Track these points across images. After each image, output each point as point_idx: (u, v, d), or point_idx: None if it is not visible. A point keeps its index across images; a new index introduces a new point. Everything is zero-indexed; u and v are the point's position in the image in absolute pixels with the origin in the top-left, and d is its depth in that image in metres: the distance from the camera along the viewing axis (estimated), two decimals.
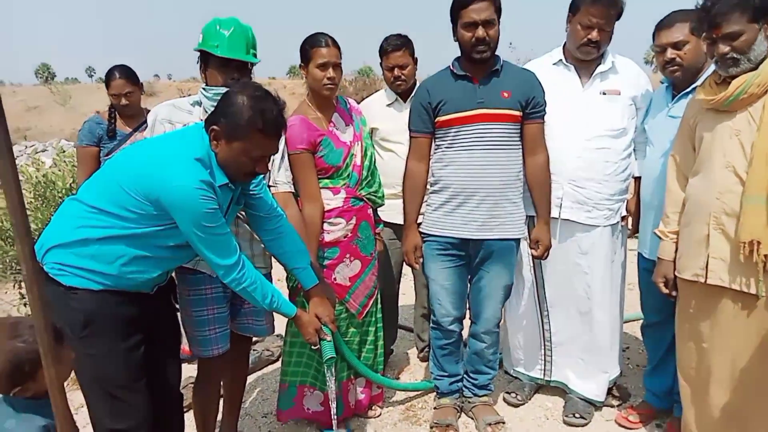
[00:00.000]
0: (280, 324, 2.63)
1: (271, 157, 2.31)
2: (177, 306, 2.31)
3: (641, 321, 2.91)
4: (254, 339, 3.36)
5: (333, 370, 2.29)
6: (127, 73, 3.23)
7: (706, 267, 2.02)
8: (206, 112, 2.18)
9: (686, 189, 2.15)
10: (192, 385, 2.54)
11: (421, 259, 2.66)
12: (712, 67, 2.04)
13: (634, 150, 2.74)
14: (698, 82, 2.24)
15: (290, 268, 2.21)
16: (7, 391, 1.52)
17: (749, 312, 1.96)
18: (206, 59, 2.19)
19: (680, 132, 2.21)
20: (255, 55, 2.22)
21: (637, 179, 2.74)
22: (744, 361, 1.99)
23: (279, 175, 2.34)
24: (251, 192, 2.06)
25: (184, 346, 3.10)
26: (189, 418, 2.48)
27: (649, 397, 2.82)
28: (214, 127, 1.76)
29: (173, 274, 2.25)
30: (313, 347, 2.16)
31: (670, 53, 2.40)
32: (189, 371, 3.17)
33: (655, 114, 2.59)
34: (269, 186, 2.34)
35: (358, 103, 3.18)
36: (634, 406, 2.85)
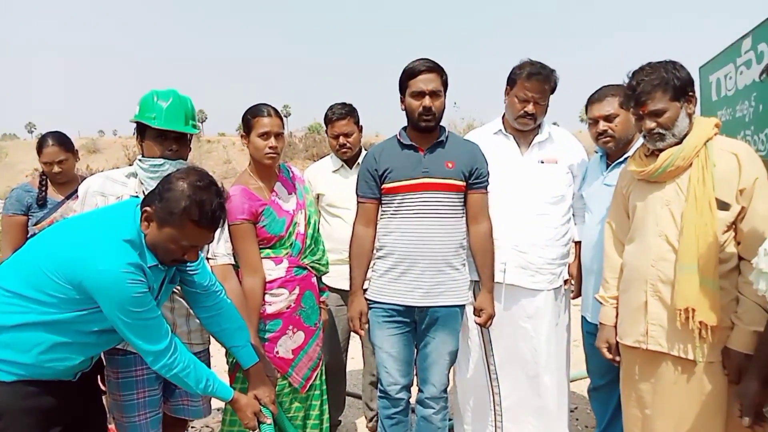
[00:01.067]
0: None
1: None
2: (104, 389, 2.16)
3: (588, 382, 2.92)
4: (193, 419, 3.18)
5: None
6: (60, 139, 3.11)
7: (647, 333, 2.05)
8: (142, 184, 2.11)
9: (623, 255, 2.21)
10: None
11: (366, 326, 2.60)
12: (642, 139, 2.14)
13: (573, 215, 2.83)
14: (630, 153, 2.35)
15: (228, 346, 2.12)
16: None
17: (689, 377, 1.98)
18: (143, 130, 2.14)
19: (614, 200, 2.29)
20: (194, 126, 2.19)
21: (578, 243, 2.82)
22: (687, 427, 2.00)
23: (218, 247, 2.27)
24: (188, 269, 1.98)
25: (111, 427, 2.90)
26: None
27: None
28: (147, 208, 1.70)
29: (101, 355, 2.12)
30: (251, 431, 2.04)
31: (602, 125, 2.54)
32: None
33: (591, 182, 2.70)
34: (207, 258, 2.26)
35: (311, 159, 3.16)
36: None
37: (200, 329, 2.26)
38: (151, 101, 2.12)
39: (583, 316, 2.75)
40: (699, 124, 2.01)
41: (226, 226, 2.31)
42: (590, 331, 2.61)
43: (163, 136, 2.10)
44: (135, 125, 2.17)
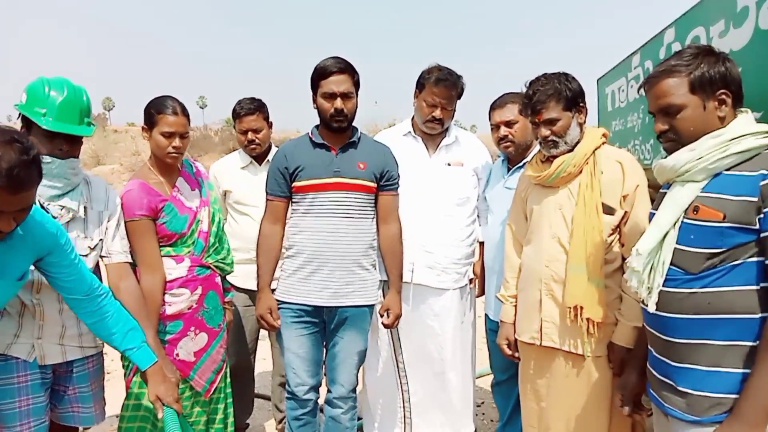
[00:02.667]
0: (118, 404, 2.37)
1: (104, 222, 2.13)
2: None
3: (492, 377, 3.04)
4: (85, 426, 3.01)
5: None
6: None
7: (541, 330, 2.16)
8: None
9: (521, 256, 2.32)
10: None
11: (279, 321, 2.56)
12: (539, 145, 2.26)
13: (477, 217, 2.93)
14: (529, 158, 2.47)
15: (122, 350, 2.00)
16: None
17: (578, 371, 2.11)
18: (28, 123, 1.96)
19: (514, 203, 2.40)
20: (89, 124, 2.04)
21: (482, 244, 2.92)
22: (576, 416, 2.13)
23: (113, 245, 2.15)
24: (54, 274, 1.85)
25: None
26: None
27: None
28: None
29: None
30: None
31: (503, 131, 2.66)
32: None
33: (494, 185, 2.81)
34: (102, 256, 2.14)
35: (228, 153, 3.07)
36: None
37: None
38: (41, 92, 1.95)
39: (486, 314, 2.85)
40: (589, 133, 2.15)
41: (122, 223, 2.20)
42: (493, 328, 2.71)
43: (53, 135, 1.94)
44: (20, 116, 1.99)
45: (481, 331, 3.12)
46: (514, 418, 2.79)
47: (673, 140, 1.56)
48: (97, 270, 2.19)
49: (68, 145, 1.98)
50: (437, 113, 2.75)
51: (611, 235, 2.06)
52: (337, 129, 2.50)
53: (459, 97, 2.82)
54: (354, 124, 2.58)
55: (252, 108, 2.98)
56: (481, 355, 3.26)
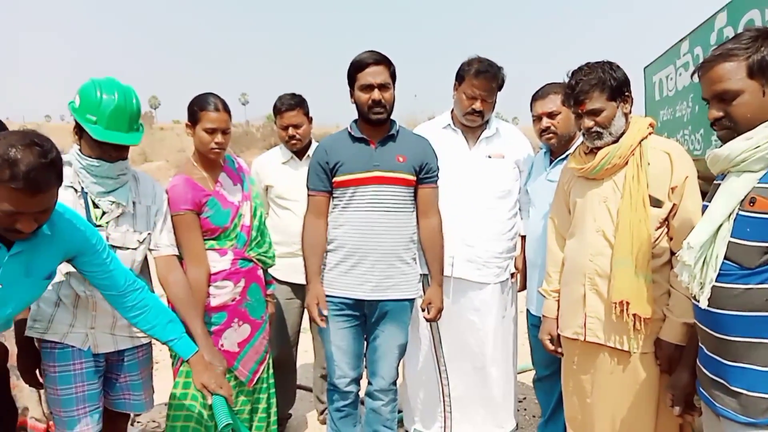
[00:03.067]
0: (166, 392, 2.45)
1: (152, 216, 2.19)
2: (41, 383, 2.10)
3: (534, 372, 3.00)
4: (136, 413, 3.12)
5: None
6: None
7: (584, 325, 2.12)
8: (77, 174, 2.04)
9: (564, 250, 2.27)
10: None
11: (325, 312, 2.56)
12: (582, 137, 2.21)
13: (519, 210, 2.89)
14: (571, 150, 2.41)
15: (163, 341, 2.05)
16: None
17: (624, 367, 2.06)
18: (81, 125, 2.01)
19: (556, 196, 2.35)
20: (138, 129, 2.08)
21: (524, 237, 2.88)
22: (622, 415, 2.08)
23: (161, 238, 2.21)
24: (89, 272, 1.90)
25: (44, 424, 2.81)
26: None
27: None
28: None
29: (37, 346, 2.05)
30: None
31: (545, 122, 2.61)
32: None
33: (536, 177, 2.76)
34: (150, 250, 2.21)
35: (269, 149, 3.11)
36: None
37: None
38: (92, 97, 1.98)
39: (528, 309, 2.82)
40: (635, 123, 2.08)
41: (168, 217, 2.26)
42: (534, 323, 2.68)
43: (103, 142, 1.99)
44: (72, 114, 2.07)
45: (522, 326, 3.09)
46: (557, 414, 2.76)
47: (729, 128, 1.49)
48: (146, 263, 2.27)
49: (117, 152, 2.04)
50: (477, 105, 2.72)
51: (659, 228, 1.99)
52: (376, 121, 2.49)
53: (499, 89, 2.78)
54: (392, 117, 2.58)
55: (292, 104, 3.02)
56: (522, 351, 3.22)
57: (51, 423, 3.05)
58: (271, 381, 2.67)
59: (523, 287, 2.96)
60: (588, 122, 2.05)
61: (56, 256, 1.80)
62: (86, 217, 2.03)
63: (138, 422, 3.21)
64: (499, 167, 2.81)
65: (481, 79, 2.68)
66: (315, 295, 2.55)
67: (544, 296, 2.36)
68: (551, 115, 2.60)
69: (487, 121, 2.85)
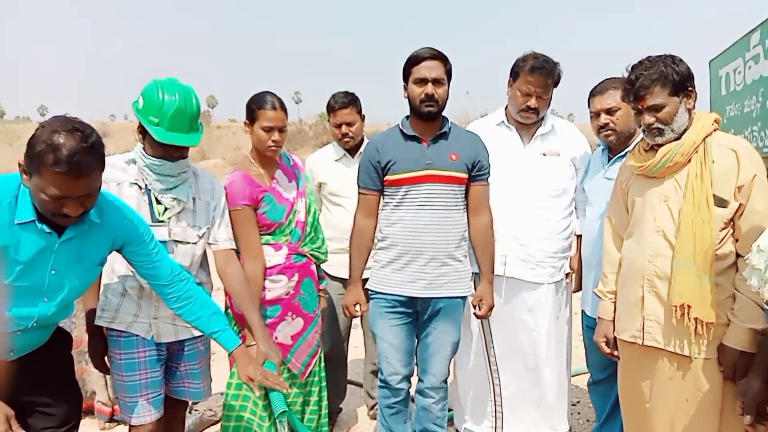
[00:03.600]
0: (223, 381, 2.53)
1: (210, 211, 2.27)
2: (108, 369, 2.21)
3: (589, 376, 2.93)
4: (194, 400, 3.23)
5: (285, 425, 2.23)
6: None
7: (643, 329, 2.05)
8: (141, 172, 2.13)
9: (621, 250, 2.21)
10: None
11: (358, 312, 2.62)
12: (642, 134, 2.13)
13: (575, 209, 2.83)
14: (630, 147, 2.34)
15: (207, 333, 2.11)
16: None
17: (684, 373, 1.98)
18: (144, 126, 2.10)
19: (614, 195, 2.28)
20: (197, 129, 2.15)
21: (579, 237, 2.82)
22: (683, 422, 2.01)
23: (219, 232, 2.29)
24: (136, 263, 1.97)
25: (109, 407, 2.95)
26: None
27: None
28: (19, 160, 1.65)
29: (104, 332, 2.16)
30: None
31: (604, 118, 2.53)
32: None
33: (593, 175, 2.69)
34: (209, 244, 2.29)
35: (321, 147, 3.17)
36: None
37: None
38: (155, 98, 2.06)
39: (583, 310, 2.75)
40: (699, 119, 1.99)
41: (227, 212, 2.33)
42: (590, 325, 2.61)
43: (165, 143, 2.07)
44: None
45: (577, 328, 3.02)
46: (613, 418, 2.69)
47: None
48: (205, 257, 2.35)
49: (178, 152, 2.12)
50: (532, 102, 2.68)
51: (723, 229, 1.91)
52: (428, 116, 2.48)
53: (555, 86, 2.72)
54: (444, 115, 2.57)
55: (346, 102, 3.05)
56: (576, 353, 3.16)
57: (116, 407, 3.21)
58: (323, 374, 2.72)
59: (579, 288, 2.89)
60: (649, 118, 1.97)
61: (106, 243, 1.88)
62: (149, 213, 2.13)
63: (195, 410, 3.32)
64: (554, 165, 2.76)
65: (536, 75, 2.63)
66: (355, 299, 2.59)
67: (600, 297, 2.31)
68: (610, 112, 2.53)
69: (543, 118, 2.80)
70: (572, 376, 3.65)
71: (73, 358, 2.16)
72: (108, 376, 2.88)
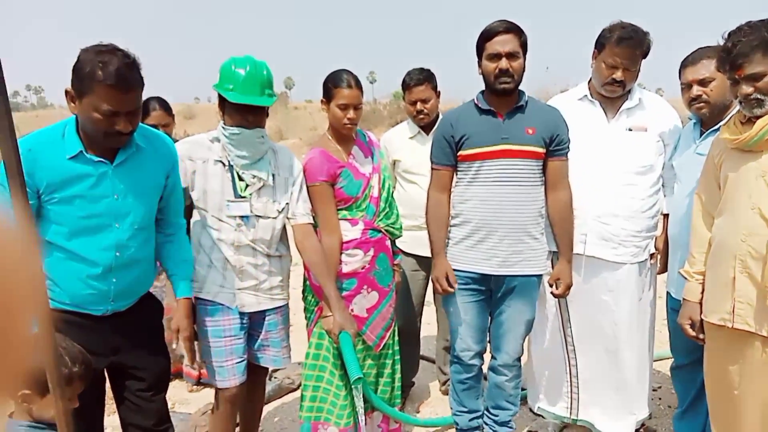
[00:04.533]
0: (301, 352, 2.64)
1: (289, 187, 2.34)
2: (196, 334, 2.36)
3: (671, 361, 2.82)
4: (275, 367, 3.39)
5: (360, 390, 2.32)
6: (164, 104, 3.34)
7: (733, 311, 1.94)
8: (224, 149, 2.23)
9: (712, 229, 2.09)
10: (210, 413, 2.56)
11: (455, 284, 2.58)
12: (738, 105, 1.99)
13: (663, 186, 2.69)
14: (725, 120, 2.19)
15: (169, 273, 2.19)
16: (15, 394, 1.52)
17: None
18: (223, 98, 2.21)
19: (705, 170, 2.15)
20: (270, 95, 2.23)
21: (666, 216, 2.68)
22: None
23: (298, 207, 2.37)
24: (166, 196, 2.08)
25: (197, 371, 3.14)
26: None
27: None
28: (67, 88, 1.77)
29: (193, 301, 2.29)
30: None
31: (696, 90, 2.37)
32: (208, 397, 3.21)
33: (683, 151, 2.54)
34: (288, 218, 2.37)
35: (392, 126, 3.19)
36: None
37: (281, 285, 2.39)
38: (229, 70, 2.18)
39: (668, 292, 2.63)
40: None
41: (304, 188, 2.40)
42: (674, 307, 2.49)
43: (241, 107, 2.16)
44: (218, 93, 2.25)
45: (661, 312, 2.89)
46: (696, 406, 2.58)
47: None
48: (284, 230, 2.44)
49: (253, 116, 2.19)
50: (618, 75, 2.52)
51: None
52: (502, 91, 2.42)
53: (644, 57, 2.55)
54: (522, 89, 2.50)
55: (421, 78, 3.04)
56: (659, 338, 3.03)
57: (203, 371, 3.42)
58: (397, 348, 2.77)
59: (664, 269, 2.76)
60: (747, 88, 1.84)
61: (159, 169, 2.02)
62: (232, 190, 2.23)
63: (275, 378, 3.48)
64: (640, 141, 2.61)
65: (623, 46, 2.48)
66: (443, 270, 2.57)
67: (686, 278, 2.20)
68: (703, 83, 2.35)
69: (629, 92, 2.64)
70: (654, 361, 3.53)
71: (163, 325, 2.31)
72: (197, 346, 3.08)
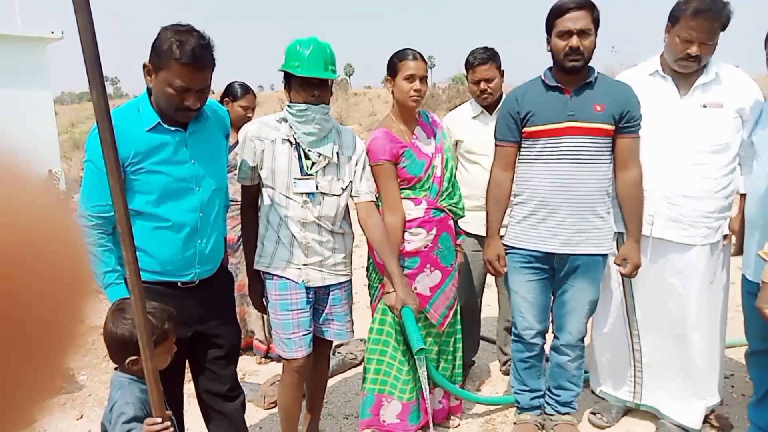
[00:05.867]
0: (364, 329, 2.72)
1: (352, 165, 2.39)
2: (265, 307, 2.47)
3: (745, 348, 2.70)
4: (338, 342, 3.49)
5: (424, 360, 2.38)
6: (251, 89, 3.50)
7: None
8: (291, 128, 2.30)
9: None
10: (278, 383, 2.68)
11: (505, 268, 2.62)
12: None
13: (739, 165, 2.56)
14: None
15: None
16: (122, 361, 1.70)
17: None
18: (289, 78, 2.29)
19: None
20: (333, 71, 2.29)
21: (743, 196, 2.56)
22: None
23: (361, 186, 2.42)
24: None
25: (273, 346, 3.28)
26: (274, 413, 2.61)
27: (753, 431, 2.61)
28: (145, 62, 1.89)
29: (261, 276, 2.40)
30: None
31: None
32: (276, 370, 3.36)
33: (765, 126, 2.40)
34: (352, 196, 2.43)
35: (450, 110, 3.19)
36: None
37: (345, 262, 2.46)
38: (294, 50, 2.25)
39: (743, 275, 2.52)
40: None
41: (368, 167, 2.45)
42: (750, 290, 2.38)
43: (306, 83, 2.23)
44: (283, 74, 2.32)
45: (734, 298, 2.77)
46: None
47: None
48: (347, 209, 2.50)
49: (319, 91, 2.26)
50: (693, 50, 2.39)
51: None
52: (571, 69, 2.38)
53: (723, 29, 2.40)
54: (591, 65, 2.44)
55: (485, 57, 3.01)
56: (732, 325, 2.91)
57: (271, 345, 3.57)
58: (458, 327, 2.80)
59: (739, 251, 2.64)
60: None
61: (219, 132, 2.16)
62: (299, 167, 2.31)
63: (338, 353, 3.58)
64: (716, 118, 2.48)
65: (700, 19, 2.34)
66: (496, 252, 2.59)
67: (765, 260, 2.10)
68: None
69: (705, 66, 2.50)
70: (727, 347, 3.39)
71: (235, 297, 2.43)
72: (265, 317, 3.21)
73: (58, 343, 0.27)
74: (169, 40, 1.83)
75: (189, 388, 2.29)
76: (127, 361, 1.69)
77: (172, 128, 1.96)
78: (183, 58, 1.81)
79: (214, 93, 3.14)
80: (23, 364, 0.25)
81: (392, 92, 2.56)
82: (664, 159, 2.52)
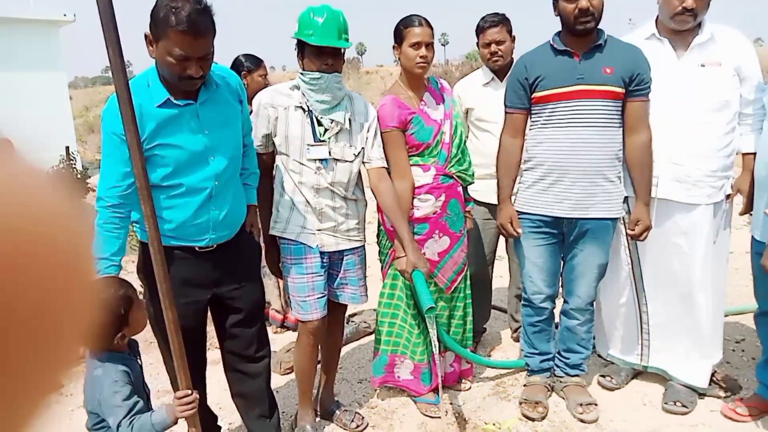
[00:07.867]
0: (376, 300, 2.78)
1: (364, 132, 2.42)
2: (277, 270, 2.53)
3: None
4: (352, 312, 3.56)
5: (434, 320, 2.43)
6: (260, 60, 3.57)
7: None
8: (304, 96, 2.34)
9: None
10: (294, 348, 2.75)
11: (520, 229, 2.63)
12: None
13: (739, 124, 2.57)
14: None
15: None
16: (111, 342, 1.72)
17: None
18: (302, 47, 2.31)
19: None
20: (347, 40, 2.32)
21: (746, 155, 2.57)
22: None
23: (373, 152, 2.46)
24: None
25: (291, 316, 3.36)
26: (291, 379, 2.69)
27: (762, 390, 2.65)
28: (146, 32, 1.87)
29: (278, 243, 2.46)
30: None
31: None
32: (291, 338, 3.44)
33: None
34: (363, 162, 2.47)
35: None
36: (743, 399, 2.68)
37: (358, 228, 2.51)
38: (307, 18, 2.28)
39: (752, 236, 2.53)
40: None
41: (379, 133, 2.49)
42: (759, 251, 2.40)
43: (320, 51, 2.26)
44: (296, 42, 2.35)
45: (735, 263, 2.78)
46: None
47: None
48: (359, 177, 2.54)
49: (333, 59, 2.29)
50: (689, 3, 2.39)
51: None
52: (583, 31, 2.38)
53: None
54: (601, 27, 2.43)
55: (495, 21, 3.00)
56: (742, 292, 2.92)
57: (287, 315, 3.66)
58: (468, 292, 2.84)
59: (747, 210, 2.65)
60: None
61: (235, 102, 2.14)
62: (311, 134, 2.35)
63: (352, 321, 3.66)
64: (714, 76, 2.49)
65: None
66: (508, 216, 2.62)
67: None
68: None
69: (700, 26, 2.51)
70: (736, 314, 3.40)
71: (259, 263, 2.45)
72: (281, 287, 3.28)
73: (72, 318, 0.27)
74: (165, 7, 1.78)
75: (210, 354, 2.36)
76: (115, 339, 1.72)
77: (182, 102, 1.96)
78: (180, 25, 1.77)
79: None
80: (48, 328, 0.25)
81: (399, 59, 2.58)
82: (666, 120, 2.53)
